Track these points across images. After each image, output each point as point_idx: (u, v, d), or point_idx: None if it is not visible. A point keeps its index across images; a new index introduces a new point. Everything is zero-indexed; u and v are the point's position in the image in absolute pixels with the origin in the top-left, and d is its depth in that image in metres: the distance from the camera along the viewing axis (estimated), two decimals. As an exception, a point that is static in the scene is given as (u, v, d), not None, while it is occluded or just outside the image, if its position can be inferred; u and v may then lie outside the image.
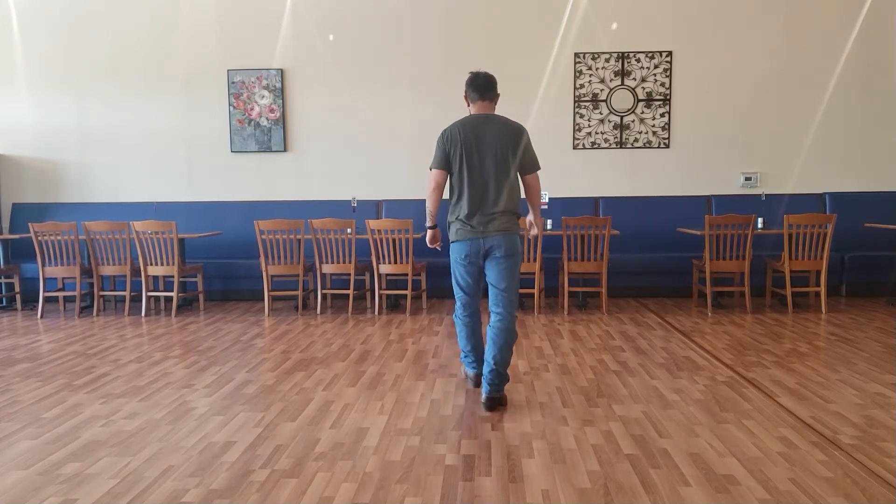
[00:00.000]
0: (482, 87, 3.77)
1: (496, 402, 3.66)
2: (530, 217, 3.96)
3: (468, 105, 3.85)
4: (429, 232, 3.93)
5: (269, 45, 7.69)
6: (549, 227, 6.58)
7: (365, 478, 2.81)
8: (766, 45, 7.46)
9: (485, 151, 3.67)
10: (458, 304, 3.90)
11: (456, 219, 3.75)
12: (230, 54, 7.73)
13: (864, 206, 7.29)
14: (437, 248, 4.00)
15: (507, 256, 3.67)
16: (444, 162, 3.75)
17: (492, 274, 3.71)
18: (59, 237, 6.57)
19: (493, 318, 3.71)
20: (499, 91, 3.86)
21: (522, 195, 3.84)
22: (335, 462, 2.97)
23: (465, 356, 4.02)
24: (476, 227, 3.66)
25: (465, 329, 3.90)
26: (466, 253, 3.70)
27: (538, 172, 3.79)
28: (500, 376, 3.66)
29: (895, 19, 7.33)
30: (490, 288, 3.74)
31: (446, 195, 3.86)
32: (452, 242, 3.79)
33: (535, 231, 4.00)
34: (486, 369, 3.68)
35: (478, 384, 3.92)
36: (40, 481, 2.82)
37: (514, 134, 3.72)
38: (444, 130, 3.79)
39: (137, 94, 7.82)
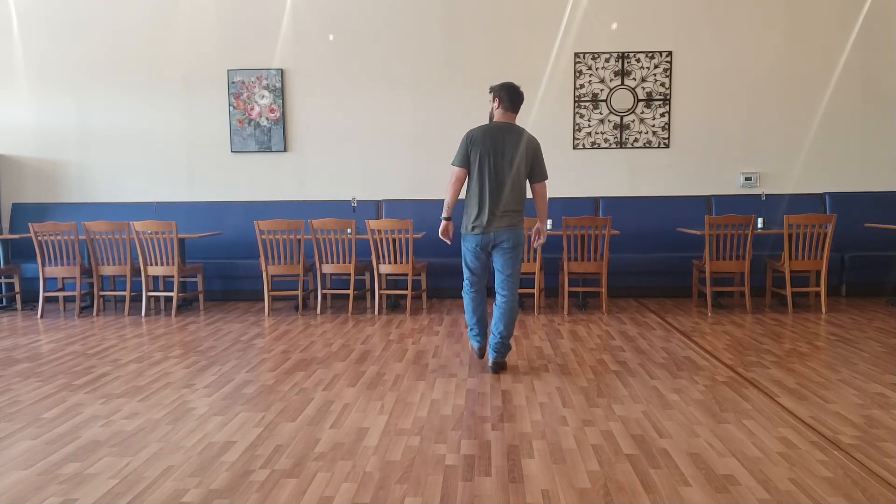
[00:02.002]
0: (516, 100, 4.26)
1: (500, 367, 4.36)
2: (538, 225, 4.41)
3: (496, 106, 4.27)
4: (443, 222, 4.34)
5: (269, 45, 7.69)
6: (549, 226, 6.55)
7: (365, 478, 2.81)
8: (766, 45, 7.46)
9: (502, 157, 4.17)
10: (466, 282, 4.40)
11: (470, 213, 4.23)
12: (230, 54, 7.73)
13: (864, 206, 7.29)
14: (447, 241, 4.41)
15: (513, 248, 4.23)
16: (465, 160, 4.22)
17: (498, 262, 4.28)
18: (59, 237, 6.57)
19: (498, 298, 4.31)
20: None
21: (528, 195, 4.35)
22: (335, 462, 2.97)
23: (471, 329, 4.44)
24: (487, 224, 4.18)
25: (472, 303, 4.38)
26: (477, 244, 4.24)
27: (546, 182, 4.33)
28: (505, 346, 4.33)
29: (895, 19, 7.34)
30: (496, 273, 4.32)
31: (463, 193, 4.32)
32: (465, 234, 4.28)
33: (542, 239, 4.45)
34: (492, 340, 4.32)
35: (482, 355, 4.46)
36: (40, 481, 2.82)
37: (530, 146, 4.24)
38: (469, 132, 4.25)
39: (137, 94, 7.82)
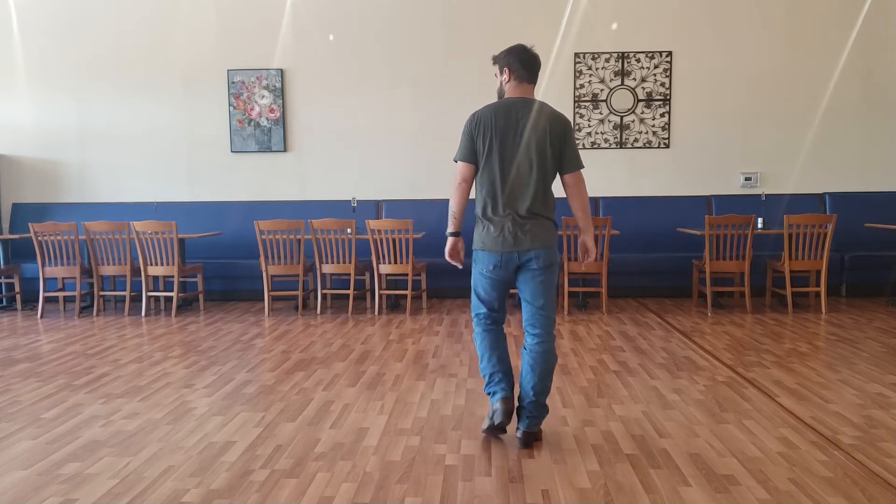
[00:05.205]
0: (532, 65, 3.18)
1: (533, 437, 3.16)
2: (582, 237, 3.31)
3: (508, 79, 3.19)
4: (449, 240, 3.22)
5: (269, 45, 7.68)
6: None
7: (365, 478, 2.81)
8: (766, 45, 7.46)
9: (520, 141, 3.10)
10: (476, 318, 3.27)
11: (483, 223, 3.16)
12: (230, 54, 7.73)
13: (864, 206, 7.29)
14: (458, 264, 3.27)
15: (544, 268, 3.12)
16: (471, 153, 3.14)
17: (527, 290, 3.15)
18: (59, 237, 6.57)
19: (529, 340, 3.16)
20: None
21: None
22: (335, 462, 2.97)
23: (490, 378, 3.21)
24: (507, 238, 3.09)
25: (489, 336, 3.22)
26: (494, 265, 3.13)
27: (581, 172, 3.21)
28: (541, 408, 3.15)
29: (895, 19, 7.34)
30: (524, 305, 3.19)
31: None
32: (476, 250, 3.19)
33: (591, 255, 3.30)
34: (524, 401, 3.16)
35: (509, 415, 3.15)
36: (40, 481, 2.82)
37: (558, 124, 3.13)
38: (474, 114, 3.18)
39: (137, 94, 7.82)
